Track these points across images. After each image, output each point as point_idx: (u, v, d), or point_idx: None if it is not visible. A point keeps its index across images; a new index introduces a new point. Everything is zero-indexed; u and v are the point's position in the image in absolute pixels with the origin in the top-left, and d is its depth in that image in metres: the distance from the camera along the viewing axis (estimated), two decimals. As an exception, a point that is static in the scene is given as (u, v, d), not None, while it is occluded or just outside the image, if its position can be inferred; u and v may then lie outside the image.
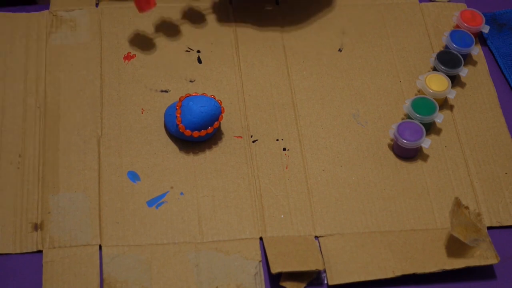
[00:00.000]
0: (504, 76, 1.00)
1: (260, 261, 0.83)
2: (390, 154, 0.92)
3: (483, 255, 0.83)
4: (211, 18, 1.02)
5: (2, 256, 0.82)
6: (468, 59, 1.00)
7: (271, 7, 1.03)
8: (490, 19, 1.04)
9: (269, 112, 0.94)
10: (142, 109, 0.92)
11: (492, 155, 0.93)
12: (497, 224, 0.88)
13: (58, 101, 0.92)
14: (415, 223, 0.87)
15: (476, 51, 0.99)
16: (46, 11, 1.00)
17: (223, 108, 0.90)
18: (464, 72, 0.97)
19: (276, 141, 0.92)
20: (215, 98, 0.89)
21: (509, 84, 0.99)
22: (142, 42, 0.98)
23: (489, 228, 0.87)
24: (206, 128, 0.89)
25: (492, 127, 0.95)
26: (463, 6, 1.05)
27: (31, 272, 0.81)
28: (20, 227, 0.84)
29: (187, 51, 0.97)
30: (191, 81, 0.95)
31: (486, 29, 1.00)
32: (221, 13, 1.02)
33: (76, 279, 0.81)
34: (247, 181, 0.88)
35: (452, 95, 0.94)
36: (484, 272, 0.84)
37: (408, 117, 0.93)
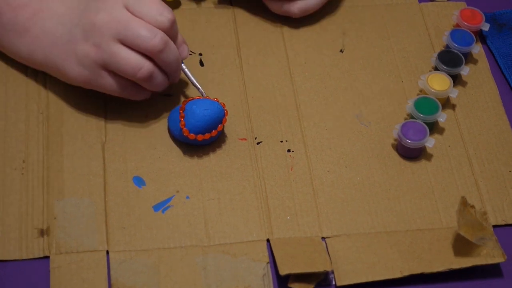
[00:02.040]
0: (504, 76, 1.00)
1: (267, 263, 0.83)
2: (394, 154, 0.92)
3: (489, 254, 0.83)
4: (212, 21, 1.01)
5: (9, 263, 0.82)
6: (469, 58, 1.00)
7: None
8: (490, 19, 1.04)
9: (273, 113, 0.94)
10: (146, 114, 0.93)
11: (496, 153, 0.93)
12: (502, 223, 0.88)
13: (61, 106, 0.92)
14: (421, 223, 0.87)
15: (477, 49, 0.99)
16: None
17: (227, 111, 0.90)
18: (465, 71, 0.97)
19: (280, 143, 0.92)
20: (218, 101, 0.89)
21: (509, 84, 0.99)
22: (143, 46, 0.98)
23: (494, 226, 0.87)
24: (210, 131, 0.88)
25: (494, 125, 0.95)
26: (462, 4, 1.06)
27: (38, 278, 0.81)
28: (26, 233, 0.83)
29: (189, 54, 0.97)
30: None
31: (486, 27, 1.00)
32: (222, 15, 1.02)
33: (84, 284, 0.81)
34: (252, 183, 0.89)
35: (454, 94, 0.94)
36: (490, 271, 0.85)
37: (411, 117, 0.93)
